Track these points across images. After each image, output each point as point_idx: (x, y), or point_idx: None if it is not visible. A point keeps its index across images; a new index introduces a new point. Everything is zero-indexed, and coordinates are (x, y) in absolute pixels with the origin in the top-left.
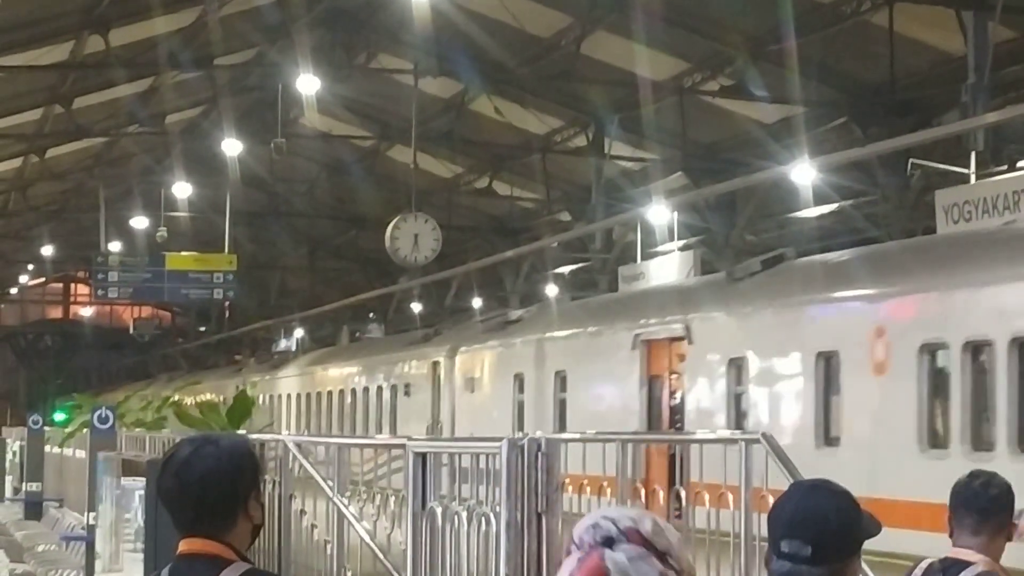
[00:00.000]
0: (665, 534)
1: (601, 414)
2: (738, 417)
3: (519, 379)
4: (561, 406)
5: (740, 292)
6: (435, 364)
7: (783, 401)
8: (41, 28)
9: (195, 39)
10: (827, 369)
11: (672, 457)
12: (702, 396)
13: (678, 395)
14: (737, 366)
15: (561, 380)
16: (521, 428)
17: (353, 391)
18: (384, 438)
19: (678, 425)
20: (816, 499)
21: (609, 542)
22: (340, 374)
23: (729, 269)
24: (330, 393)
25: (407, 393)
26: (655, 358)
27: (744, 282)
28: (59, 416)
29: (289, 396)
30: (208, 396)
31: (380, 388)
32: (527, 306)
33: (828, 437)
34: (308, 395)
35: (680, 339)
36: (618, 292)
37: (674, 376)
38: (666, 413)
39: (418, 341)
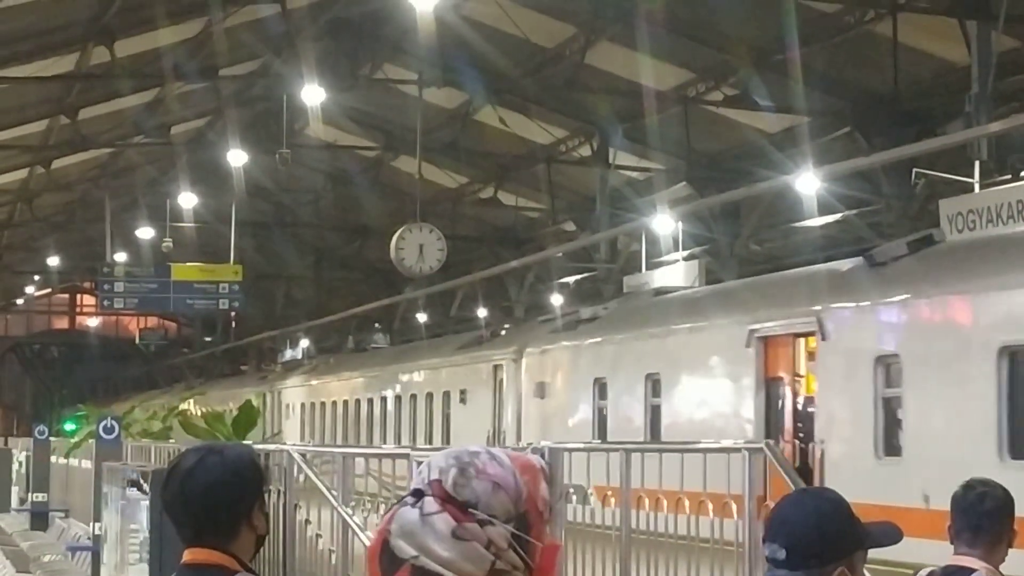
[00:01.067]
0: (472, 483)
1: (704, 423)
2: (889, 426)
3: (600, 383)
4: (654, 413)
5: (886, 278)
6: (496, 368)
7: (954, 407)
8: (46, 39)
9: (200, 50)
10: (1012, 367)
11: (799, 469)
12: (839, 402)
13: (803, 400)
14: (886, 365)
15: (653, 384)
16: (603, 438)
17: (398, 398)
18: (389, 448)
19: (801, 435)
20: (799, 505)
21: (418, 494)
22: (382, 380)
23: (866, 253)
24: (370, 401)
25: (463, 400)
26: (774, 357)
27: (889, 267)
28: (69, 427)
29: (323, 404)
30: (232, 404)
31: (430, 395)
32: (537, 315)
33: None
34: (344, 402)
35: (808, 334)
36: (724, 283)
37: (798, 378)
38: (788, 422)
39: (473, 344)
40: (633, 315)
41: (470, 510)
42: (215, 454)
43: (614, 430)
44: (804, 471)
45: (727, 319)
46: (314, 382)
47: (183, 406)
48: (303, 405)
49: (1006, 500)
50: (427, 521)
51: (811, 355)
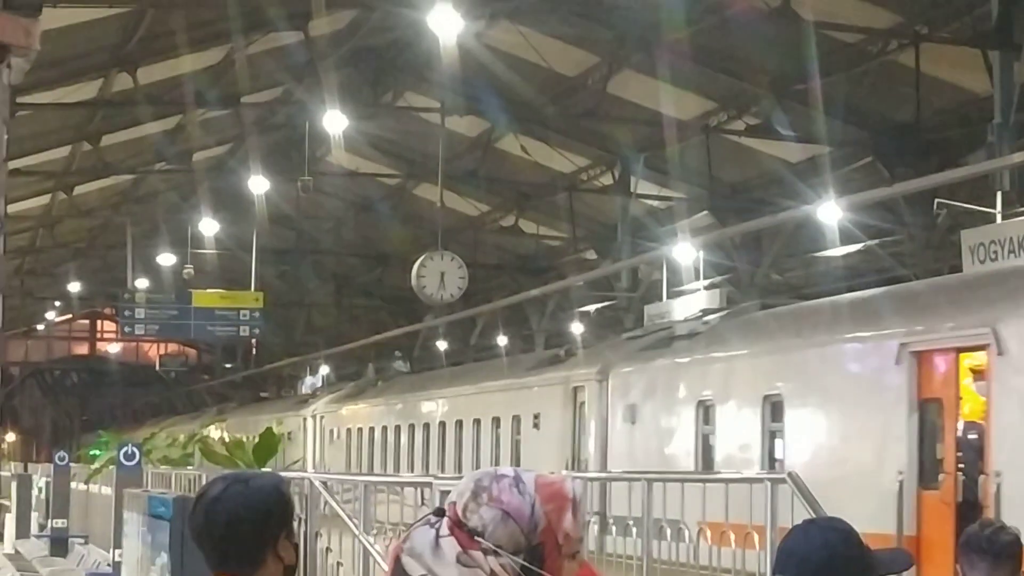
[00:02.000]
0: (480, 510)
1: (839, 453)
2: None
3: (705, 406)
4: (772, 440)
5: None
6: (576, 390)
7: None
8: (70, 66)
9: (222, 77)
10: None
11: (961, 506)
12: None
13: (963, 426)
14: None
15: (772, 406)
16: (708, 466)
17: (459, 423)
18: (411, 476)
19: (962, 466)
20: (807, 535)
21: (441, 514)
22: (438, 403)
23: None
24: (426, 426)
25: (536, 425)
26: (930, 375)
27: None
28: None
29: (370, 430)
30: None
31: (496, 419)
32: (559, 344)
33: None
34: (396, 428)
35: (976, 348)
36: (863, 291)
37: (959, 400)
38: (950, 451)
39: (547, 363)
40: (745, 329)
41: (476, 538)
42: (240, 483)
43: (723, 460)
44: (970, 508)
45: (871, 331)
46: (360, 406)
47: (213, 431)
48: (348, 431)
49: (1018, 539)
50: (439, 543)
51: (977, 372)
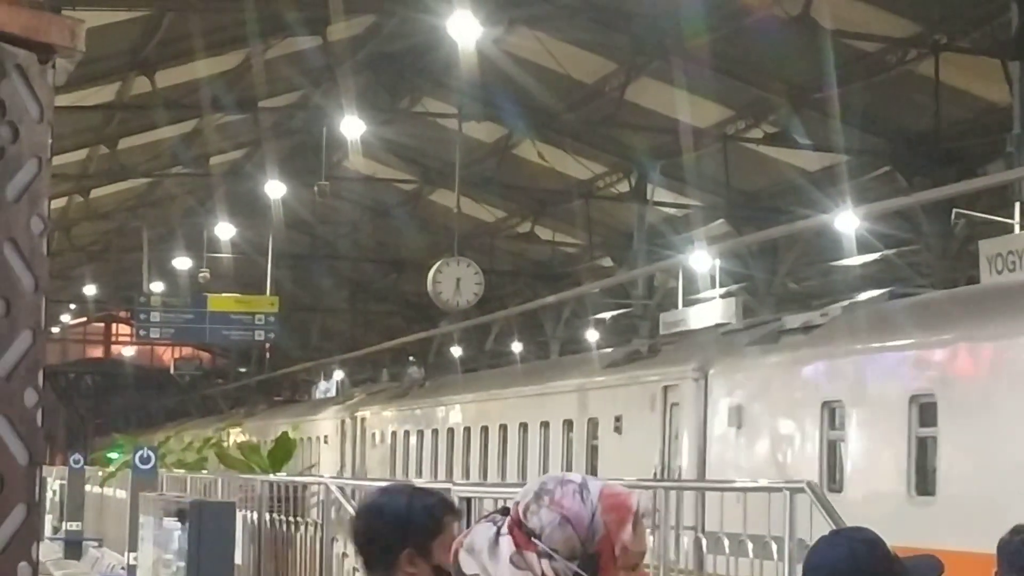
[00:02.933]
0: (540, 512)
1: (1019, 462)
2: None
3: (831, 409)
4: (920, 448)
5: None
6: (667, 389)
7: None
8: (88, 69)
9: (239, 82)
10: None
11: None
12: None
13: None
14: None
15: (920, 409)
16: (835, 479)
17: (523, 426)
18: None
19: None
20: (833, 547)
21: (505, 512)
22: (498, 405)
23: None
24: (484, 429)
25: (617, 429)
26: None
27: None
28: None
29: (420, 433)
30: (299, 432)
31: (568, 422)
32: (573, 351)
33: None
34: (449, 431)
35: None
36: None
37: None
38: None
39: (628, 360)
40: (881, 321)
41: (533, 540)
42: (386, 494)
43: (855, 471)
44: None
45: None
46: (408, 408)
47: (237, 433)
48: (393, 434)
49: None
50: (497, 541)
51: None
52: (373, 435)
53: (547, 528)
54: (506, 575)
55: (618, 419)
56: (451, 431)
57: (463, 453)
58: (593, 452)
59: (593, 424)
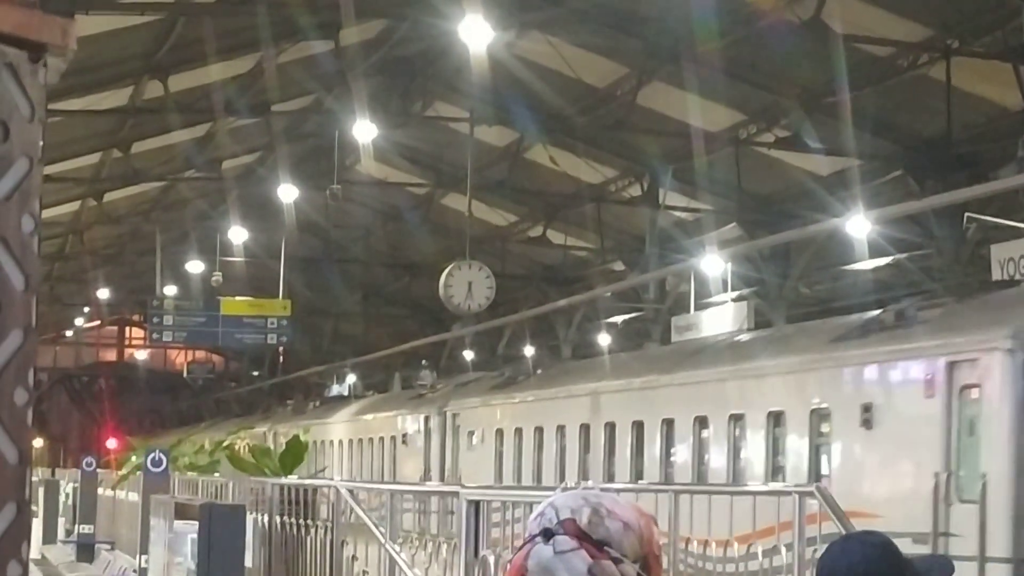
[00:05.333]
0: (605, 522)
1: None
2: None
3: None
4: None
5: None
6: (952, 368)
7: None
8: (101, 73)
9: (252, 86)
10: None
11: None
12: None
13: None
14: None
15: None
16: None
17: (699, 420)
18: (436, 485)
19: None
20: (845, 552)
21: (548, 534)
22: (659, 395)
23: None
24: (638, 425)
25: (866, 423)
26: None
27: None
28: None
29: (538, 431)
30: (376, 432)
31: (775, 415)
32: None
33: None
34: (583, 428)
35: None
36: None
37: None
38: None
39: (879, 329)
40: None
41: (605, 548)
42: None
43: None
44: None
45: None
46: (520, 401)
47: (295, 431)
48: (499, 432)
49: None
50: (563, 558)
51: None
52: (471, 434)
53: (615, 536)
54: None
55: (867, 409)
56: (584, 428)
57: (604, 455)
58: (815, 452)
59: (819, 416)
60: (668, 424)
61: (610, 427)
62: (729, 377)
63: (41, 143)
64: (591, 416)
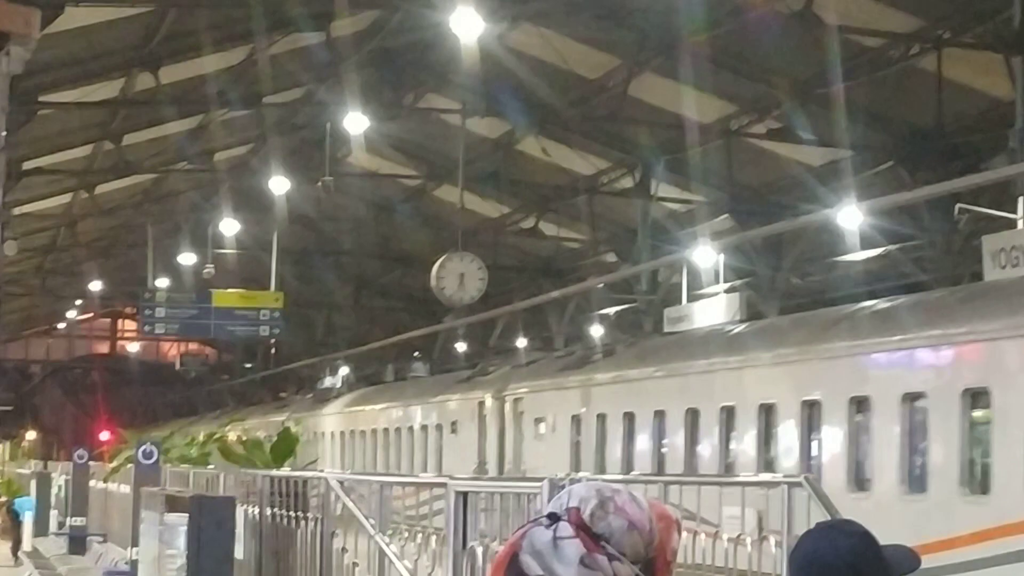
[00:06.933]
0: (609, 517)
1: None
2: None
3: None
4: None
5: None
6: None
7: None
8: (92, 65)
9: (244, 77)
10: None
11: None
12: None
13: None
14: None
15: None
16: None
17: (858, 402)
18: (428, 476)
19: None
20: (831, 543)
21: (553, 517)
22: (786, 372)
23: None
24: (765, 409)
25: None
26: None
27: None
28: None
29: (628, 416)
30: (412, 424)
31: (974, 394)
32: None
33: None
34: (690, 412)
35: None
36: None
37: None
38: None
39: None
40: None
41: (602, 543)
42: None
43: None
44: None
45: None
46: (603, 381)
47: (354, 417)
48: (575, 420)
49: None
50: (558, 544)
51: None
52: (537, 421)
53: (616, 533)
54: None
55: None
56: (692, 413)
57: (718, 440)
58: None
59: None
60: (811, 407)
61: (727, 412)
62: (905, 344)
63: (4, 133)
64: (701, 399)
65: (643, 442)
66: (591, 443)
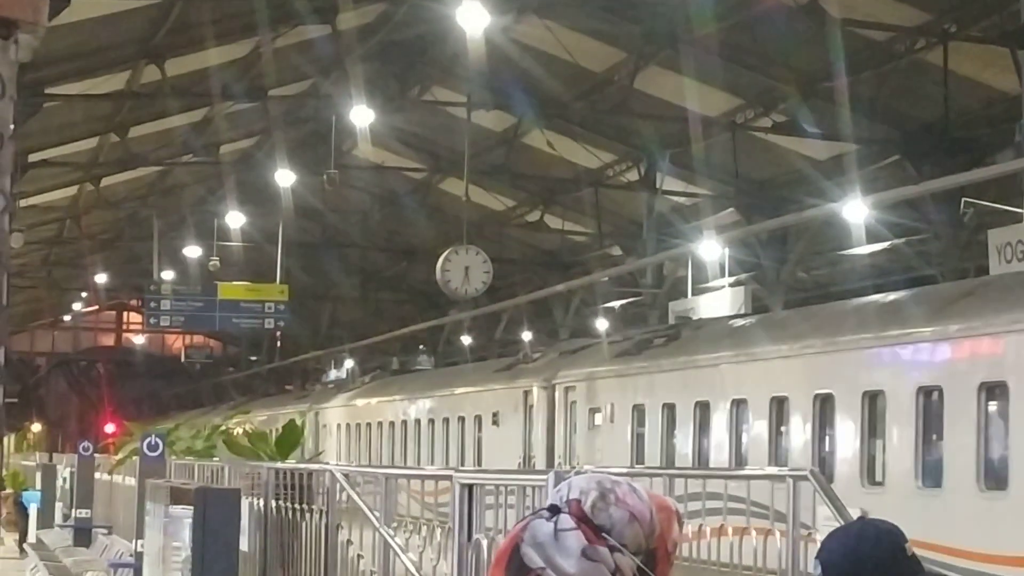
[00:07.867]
0: (610, 509)
1: None
2: None
3: None
4: None
5: None
6: None
7: None
8: (98, 58)
9: (249, 70)
10: None
11: None
12: None
13: None
14: None
15: None
16: None
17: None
18: (432, 469)
19: None
20: (847, 528)
21: (554, 509)
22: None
23: None
24: (825, 398)
25: None
26: None
27: None
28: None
29: (701, 406)
30: (448, 415)
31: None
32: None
33: None
34: (821, 399)
35: None
36: None
37: None
38: None
39: None
40: None
41: (603, 534)
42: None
43: None
44: None
45: None
46: (670, 368)
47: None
48: (636, 410)
49: None
50: (560, 536)
51: None
52: (592, 412)
53: (617, 525)
54: (578, 567)
55: None
56: (823, 400)
57: (815, 434)
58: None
59: None
60: (926, 394)
61: (822, 400)
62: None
63: (12, 124)
64: (789, 386)
65: (719, 433)
66: (657, 436)
